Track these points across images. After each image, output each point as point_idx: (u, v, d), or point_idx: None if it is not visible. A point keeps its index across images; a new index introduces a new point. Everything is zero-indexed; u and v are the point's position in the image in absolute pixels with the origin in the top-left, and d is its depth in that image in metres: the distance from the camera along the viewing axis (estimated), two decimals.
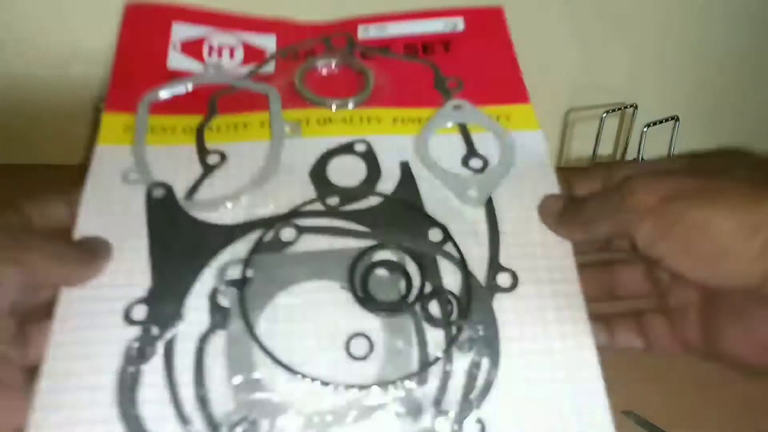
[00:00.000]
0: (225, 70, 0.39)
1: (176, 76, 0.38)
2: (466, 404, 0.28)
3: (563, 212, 0.32)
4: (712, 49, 0.51)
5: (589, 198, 0.31)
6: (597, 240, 0.33)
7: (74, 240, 0.31)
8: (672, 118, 0.50)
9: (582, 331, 0.29)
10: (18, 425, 0.26)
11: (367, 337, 0.29)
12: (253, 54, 0.40)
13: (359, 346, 0.29)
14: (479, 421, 0.27)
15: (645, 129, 0.49)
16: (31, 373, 0.27)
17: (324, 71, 0.40)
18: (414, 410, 0.27)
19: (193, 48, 0.39)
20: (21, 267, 0.26)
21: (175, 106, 0.37)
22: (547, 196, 0.33)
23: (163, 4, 0.41)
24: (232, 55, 0.40)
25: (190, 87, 0.37)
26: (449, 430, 0.27)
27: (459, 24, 0.42)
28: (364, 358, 0.28)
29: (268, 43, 0.41)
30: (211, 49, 0.40)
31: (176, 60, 0.39)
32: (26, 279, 0.27)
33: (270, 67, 0.40)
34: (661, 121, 0.50)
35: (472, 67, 0.40)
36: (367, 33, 0.42)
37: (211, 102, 0.37)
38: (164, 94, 0.37)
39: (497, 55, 0.40)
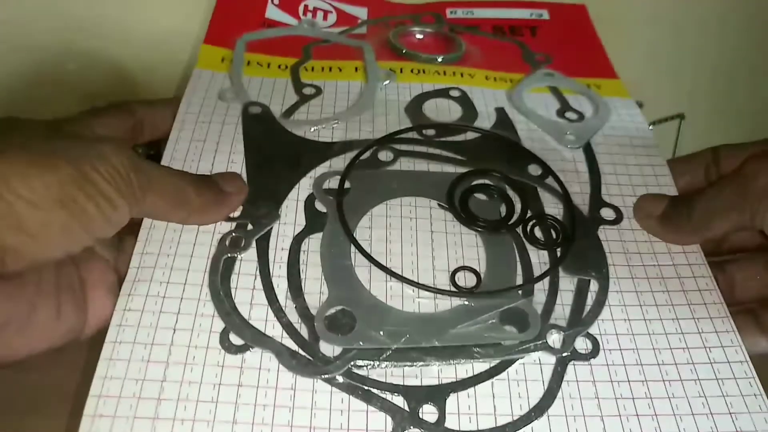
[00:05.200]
0: (319, 27, 0.40)
1: (273, 25, 0.39)
2: (577, 321, 0.26)
3: (669, 214, 0.29)
4: (718, 47, 0.50)
5: (697, 194, 0.28)
6: (711, 241, 0.29)
7: (202, 177, 0.28)
8: (677, 116, 0.49)
9: (697, 260, 0.28)
10: (104, 323, 0.25)
11: (475, 272, 0.27)
12: (345, 19, 0.41)
13: (465, 279, 0.27)
14: (592, 338, 0.25)
15: (650, 127, 0.48)
16: (121, 280, 0.26)
17: (416, 35, 0.41)
18: (520, 322, 0.25)
19: (290, 5, 0.41)
20: (139, 207, 0.24)
21: (270, 47, 0.38)
22: (643, 197, 0.30)
23: None
24: (325, 17, 0.41)
25: (286, 33, 0.39)
26: (560, 344, 0.25)
27: (544, 14, 0.44)
28: (469, 290, 0.27)
29: (360, 13, 0.42)
30: (306, 9, 0.41)
31: (274, 12, 0.40)
32: (142, 215, 0.26)
33: (362, 29, 0.41)
34: (666, 119, 0.48)
35: (559, 48, 0.40)
36: (455, 15, 0.43)
37: (305, 49, 0.38)
38: (262, 34, 0.38)
39: (583, 40, 0.42)
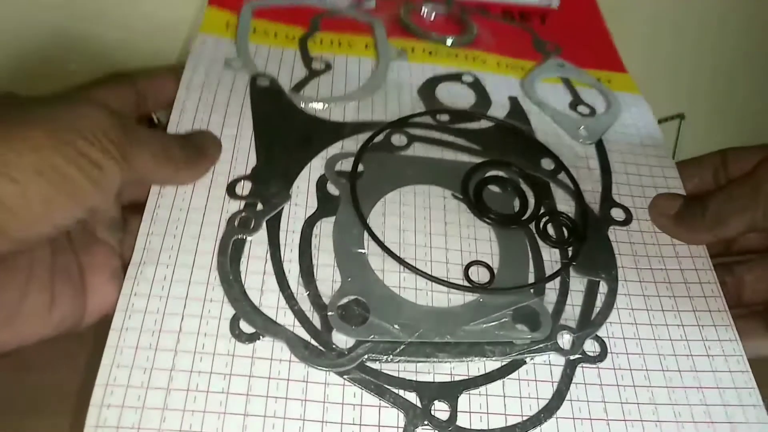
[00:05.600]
0: None
1: None
2: (586, 323, 0.26)
3: (683, 214, 0.29)
4: (718, 47, 0.50)
5: (711, 193, 0.28)
6: (724, 241, 0.30)
7: (182, 136, 0.28)
8: (677, 116, 0.49)
9: (704, 265, 0.28)
10: (106, 310, 0.23)
11: (489, 267, 0.27)
12: None
13: (479, 274, 0.27)
14: (600, 340, 0.26)
15: None
16: (126, 264, 0.24)
17: (426, 14, 0.39)
18: (532, 321, 0.25)
19: None
20: (128, 165, 0.23)
21: (277, 15, 0.36)
22: (658, 196, 0.30)
23: None
24: None
25: (295, 1, 0.37)
26: (570, 346, 0.25)
27: (553, 2, 0.43)
28: (482, 286, 0.26)
29: None
30: None
31: None
32: (131, 176, 0.24)
33: (371, 3, 0.39)
34: (666, 119, 0.48)
35: (568, 37, 0.40)
36: None
37: (313, 20, 0.36)
38: (269, 0, 0.36)
39: (592, 30, 0.41)
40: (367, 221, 0.27)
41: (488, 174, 0.30)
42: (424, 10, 0.39)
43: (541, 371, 0.25)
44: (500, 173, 0.30)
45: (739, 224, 0.27)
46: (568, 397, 0.24)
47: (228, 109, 0.30)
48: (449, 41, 0.37)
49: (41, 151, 0.20)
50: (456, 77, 0.34)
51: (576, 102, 0.35)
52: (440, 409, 0.23)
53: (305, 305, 0.24)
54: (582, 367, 0.25)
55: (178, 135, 0.28)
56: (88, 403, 0.21)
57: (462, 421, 0.23)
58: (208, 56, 0.32)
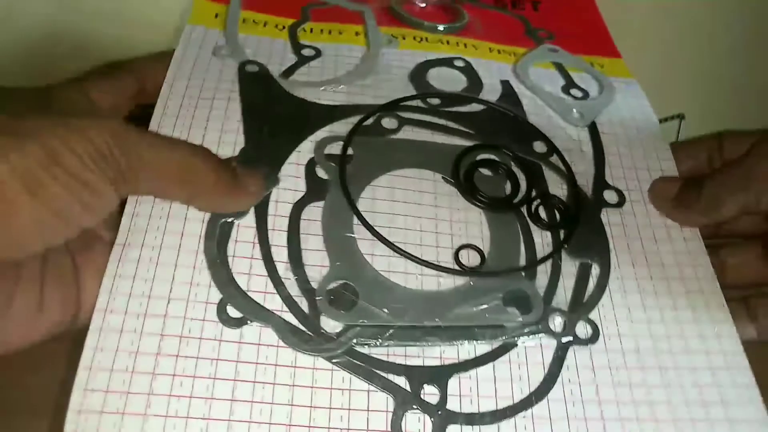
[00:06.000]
0: None
1: None
2: (578, 306, 0.26)
3: (681, 196, 0.29)
4: (718, 47, 0.49)
5: (707, 176, 0.28)
6: (720, 222, 0.29)
7: (219, 159, 0.24)
8: (677, 116, 0.49)
9: (696, 248, 0.28)
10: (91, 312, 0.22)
11: (479, 250, 0.27)
12: None
13: (469, 257, 0.26)
14: (592, 323, 0.25)
15: None
16: None
17: (417, 2, 0.39)
18: (523, 304, 0.25)
19: None
20: (129, 187, 0.21)
21: (267, 5, 0.35)
22: (658, 179, 0.30)
23: None
24: None
25: None
26: (562, 328, 0.25)
27: None
28: (472, 269, 0.26)
29: None
30: None
31: None
32: (137, 194, 0.24)
33: None
34: (666, 119, 0.49)
35: (561, 24, 0.39)
36: None
37: (304, 10, 0.36)
38: None
39: (586, 17, 0.41)
40: (357, 205, 0.27)
41: (479, 157, 0.29)
42: None
43: (533, 354, 0.24)
44: (491, 156, 0.30)
45: (733, 207, 0.27)
46: (559, 379, 0.24)
47: (216, 93, 0.29)
48: (441, 28, 0.36)
49: (32, 169, 0.19)
50: (447, 62, 0.34)
51: (569, 86, 0.34)
52: (430, 393, 0.23)
53: (293, 290, 0.24)
54: (574, 349, 0.25)
55: (212, 154, 0.24)
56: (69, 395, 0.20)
57: (452, 404, 0.23)
58: (196, 46, 0.31)
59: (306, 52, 0.33)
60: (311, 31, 0.35)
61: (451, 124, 0.31)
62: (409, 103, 0.31)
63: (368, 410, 0.22)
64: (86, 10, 0.38)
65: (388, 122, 0.30)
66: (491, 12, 0.40)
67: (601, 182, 0.30)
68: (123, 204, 0.25)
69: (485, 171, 0.29)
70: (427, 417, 0.22)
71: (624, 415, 0.23)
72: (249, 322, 0.23)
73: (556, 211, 0.28)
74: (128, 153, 0.21)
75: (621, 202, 0.29)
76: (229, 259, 0.24)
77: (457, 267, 0.26)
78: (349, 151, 0.28)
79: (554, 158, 0.30)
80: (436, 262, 0.26)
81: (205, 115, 0.28)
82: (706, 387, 0.24)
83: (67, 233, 0.21)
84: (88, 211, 0.21)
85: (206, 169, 0.23)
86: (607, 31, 0.40)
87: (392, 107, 0.30)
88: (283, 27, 0.34)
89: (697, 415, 0.24)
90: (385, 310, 0.24)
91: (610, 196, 0.29)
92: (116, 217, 0.24)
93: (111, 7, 0.39)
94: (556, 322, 0.25)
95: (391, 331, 0.24)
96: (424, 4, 0.39)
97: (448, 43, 0.36)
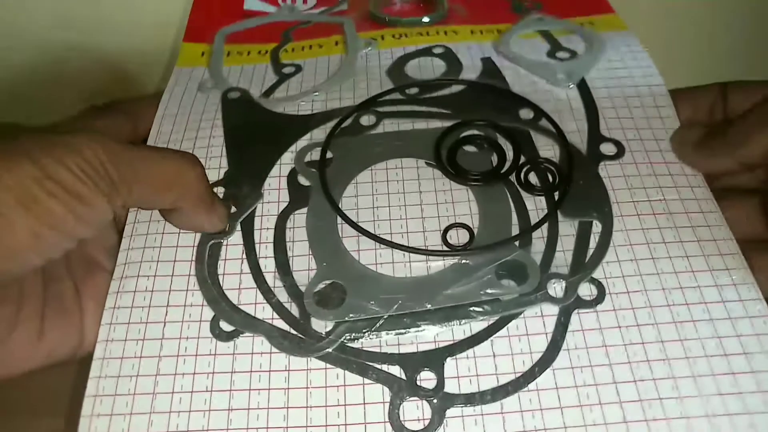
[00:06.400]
0: (299, 10, 0.39)
1: (252, 16, 0.39)
2: (579, 267, 0.24)
3: (705, 141, 0.27)
4: (718, 47, 0.48)
5: (735, 118, 0.27)
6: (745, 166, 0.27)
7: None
8: None
9: (704, 194, 0.26)
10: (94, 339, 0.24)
11: (468, 228, 0.26)
12: (325, 1, 0.40)
13: (458, 236, 0.26)
14: (597, 282, 0.24)
15: None
16: None
17: (398, 2, 0.39)
18: (519, 274, 0.24)
19: None
20: (123, 200, 0.22)
21: (250, 36, 0.37)
22: (680, 127, 0.29)
23: None
24: (305, 0, 0.40)
25: (265, 21, 0.38)
26: (563, 293, 0.24)
27: None
28: (463, 247, 0.25)
29: None
30: None
31: (252, 3, 0.39)
32: (132, 206, 0.26)
33: (343, 6, 0.39)
34: None
35: None
36: None
37: (285, 33, 0.37)
38: (240, 26, 0.37)
39: None
40: (339, 205, 0.27)
41: (462, 135, 0.29)
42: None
43: (533, 324, 0.23)
44: (474, 132, 0.29)
45: (764, 139, 0.25)
46: (564, 346, 0.22)
47: (200, 124, 0.30)
48: (426, 20, 0.36)
49: (26, 184, 0.20)
50: (426, 52, 0.34)
51: (555, 50, 0.33)
52: (426, 378, 0.22)
53: (283, 297, 0.24)
54: (578, 313, 0.23)
55: (198, 162, 0.25)
56: (78, 411, 0.22)
57: (450, 387, 0.22)
58: (183, 84, 0.33)
59: (287, 70, 0.34)
60: (293, 50, 0.36)
61: (430, 109, 0.30)
62: (388, 97, 0.31)
63: (364, 403, 0.22)
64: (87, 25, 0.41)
65: (366, 119, 0.30)
66: None
67: (596, 136, 0.28)
68: (120, 233, 0.27)
69: (469, 148, 0.28)
70: (424, 403, 0.22)
71: (639, 376, 0.22)
72: (241, 333, 0.23)
73: (548, 174, 0.27)
74: (121, 167, 0.22)
75: (620, 153, 0.27)
76: (220, 278, 0.25)
77: (445, 248, 0.25)
78: (329, 155, 0.28)
79: (543, 122, 0.29)
80: (423, 247, 0.25)
81: (190, 146, 0.29)
82: (726, 339, 0.22)
83: (63, 245, 0.22)
84: (82, 223, 0.21)
85: (195, 174, 0.24)
86: None
87: (369, 104, 0.31)
88: (266, 52, 0.36)
89: (718, 368, 0.21)
90: (372, 302, 0.24)
91: (607, 148, 0.28)
92: (116, 246, 0.26)
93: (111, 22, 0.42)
94: (556, 288, 0.24)
95: (380, 322, 0.23)
96: (399, 4, 0.39)
97: (428, 34, 0.35)
